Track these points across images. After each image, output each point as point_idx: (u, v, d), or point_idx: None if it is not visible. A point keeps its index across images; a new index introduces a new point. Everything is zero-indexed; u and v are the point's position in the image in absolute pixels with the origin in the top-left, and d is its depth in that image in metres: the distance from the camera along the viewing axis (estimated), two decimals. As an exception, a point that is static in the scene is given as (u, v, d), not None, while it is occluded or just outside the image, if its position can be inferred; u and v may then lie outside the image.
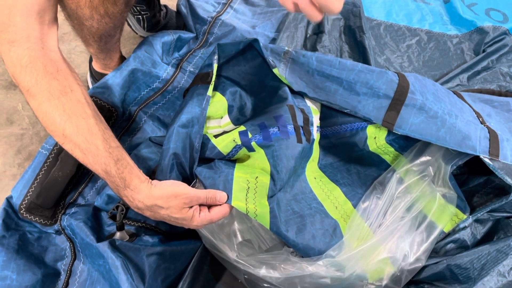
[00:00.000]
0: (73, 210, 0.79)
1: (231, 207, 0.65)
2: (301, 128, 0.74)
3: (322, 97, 0.78)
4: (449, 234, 0.78)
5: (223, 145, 0.72)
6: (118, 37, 0.90)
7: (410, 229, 0.73)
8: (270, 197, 0.69)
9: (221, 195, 0.63)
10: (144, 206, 0.61)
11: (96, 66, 0.99)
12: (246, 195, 0.66)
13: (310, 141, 0.76)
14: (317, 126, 0.81)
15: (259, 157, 0.72)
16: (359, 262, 0.68)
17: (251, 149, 0.72)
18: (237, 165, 0.72)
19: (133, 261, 0.69)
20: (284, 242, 0.70)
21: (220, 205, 0.64)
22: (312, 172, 0.80)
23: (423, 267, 0.74)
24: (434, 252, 0.77)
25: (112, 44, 0.90)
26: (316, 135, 0.79)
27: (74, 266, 0.76)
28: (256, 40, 0.76)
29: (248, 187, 0.67)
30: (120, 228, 0.73)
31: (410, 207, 0.74)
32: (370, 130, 0.79)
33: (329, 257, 0.67)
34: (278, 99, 0.78)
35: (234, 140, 0.72)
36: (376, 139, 0.79)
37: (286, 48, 0.79)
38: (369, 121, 0.78)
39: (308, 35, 1.15)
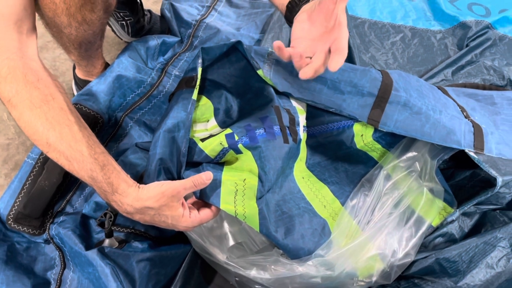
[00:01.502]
0: (61, 218, 0.78)
1: (219, 209, 0.65)
2: (287, 128, 0.74)
3: (307, 97, 0.78)
4: (437, 228, 0.78)
5: (210, 148, 0.72)
6: (100, 44, 0.89)
7: (399, 224, 0.73)
8: (258, 198, 0.69)
9: (206, 175, 0.61)
10: (134, 209, 0.60)
11: (79, 73, 0.99)
12: (235, 198, 0.66)
13: (296, 141, 0.76)
14: (304, 126, 0.81)
15: (246, 159, 0.72)
16: (349, 259, 0.69)
17: (238, 151, 0.72)
18: (225, 168, 0.72)
19: (122, 268, 0.69)
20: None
21: (209, 207, 0.65)
22: (300, 171, 0.81)
23: (413, 262, 0.74)
24: (423, 246, 0.78)
25: (93, 51, 0.89)
26: (302, 135, 0.79)
27: (64, 275, 0.75)
28: (239, 43, 0.76)
29: (237, 190, 0.67)
30: (109, 235, 0.72)
31: (398, 203, 0.74)
32: (357, 128, 0.79)
33: (318, 257, 0.68)
34: (263, 100, 0.78)
35: (221, 143, 0.72)
36: (363, 137, 0.80)
37: (270, 49, 0.79)
38: (355, 119, 0.78)
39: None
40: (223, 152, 0.72)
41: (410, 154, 0.79)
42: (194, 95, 0.72)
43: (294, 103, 0.81)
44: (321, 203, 0.77)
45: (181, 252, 0.75)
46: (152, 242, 0.76)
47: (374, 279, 0.71)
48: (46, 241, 0.78)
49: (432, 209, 0.76)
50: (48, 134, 0.58)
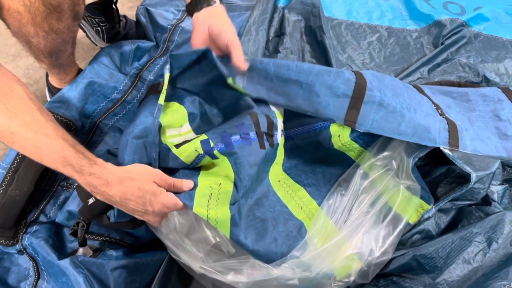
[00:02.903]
0: (34, 228, 0.77)
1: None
2: (264, 134, 0.74)
3: (283, 101, 0.78)
4: (414, 226, 0.79)
5: (186, 155, 0.71)
6: (71, 51, 0.88)
7: (376, 223, 0.73)
8: (232, 204, 0.69)
9: (187, 184, 0.65)
10: (116, 178, 0.59)
11: (53, 81, 0.97)
12: (208, 202, 0.65)
13: (274, 145, 0.76)
14: (282, 130, 0.81)
15: (223, 164, 0.71)
16: (326, 260, 0.68)
17: (214, 157, 0.71)
18: (201, 172, 0.71)
19: (97, 277, 0.68)
20: None
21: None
22: (276, 175, 0.80)
23: (391, 260, 0.74)
24: (401, 244, 0.78)
25: (65, 58, 0.88)
26: (280, 139, 0.79)
27: (38, 285, 0.74)
28: (209, 50, 0.75)
29: (211, 193, 0.67)
30: (83, 244, 0.71)
31: (374, 201, 0.74)
32: (333, 128, 0.79)
33: (294, 258, 0.67)
34: (239, 107, 0.78)
35: (196, 150, 0.71)
36: (340, 137, 0.80)
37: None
38: (332, 121, 0.78)
39: (270, 38, 1.15)
40: (199, 158, 0.72)
41: (386, 153, 0.79)
42: (161, 100, 0.71)
43: (272, 107, 0.81)
44: (297, 205, 0.77)
45: (157, 258, 0.74)
46: (128, 249, 0.75)
47: (352, 278, 0.71)
48: (20, 252, 0.76)
49: (409, 207, 0.76)
50: (11, 123, 0.56)
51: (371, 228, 0.73)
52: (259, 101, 0.79)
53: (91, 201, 0.65)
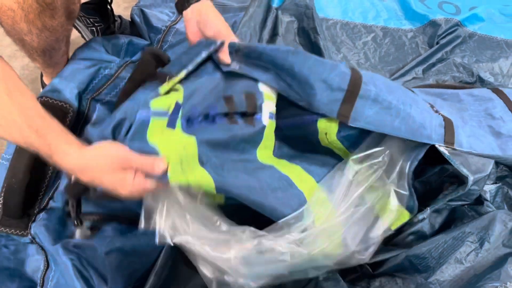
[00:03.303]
0: (41, 216, 0.76)
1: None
2: (240, 114, 0.73)
3: (279, 87, 0.75)
4: (409, 227, 0.78)
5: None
6: (65, 50, 0.88)
7: (363, 221, 0.72)
8: (204, 163, 0.66)
9: (159, 164, 0.58)
10: (78, 168, 0.58)
11: (47, 81, 0.97)
12: (181, 166, 0.62)
13: (254, 124, 0.73)
14: (270, 113, 0.77)
15: (180, 138, 0.67)
16: (320, 239, 0.66)
17: (172, 125, 0.67)
18: (158, 144, 0.64)
19: (91, 262, 0.67)
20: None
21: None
22: (266, 158, 0.78)
23: (384, 260, 0.74)
24: (395, 245, 0.78)
25: (59, 57, 0.88)
26: (267, 121, 0.76)
27: (47, 275, 0.73)
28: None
29: (181, 159, 0.63)
30: (78, 224, 0.70)
31: (362, 198, 0.73)
32: (321, 125, 0.77)
33: (292, 227, 0.65)
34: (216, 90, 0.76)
35: (169, 108, 0.68)
36: (327, 135, 0.78)
37: (237, 44, 0.75)
38: (323, 115, 0.76)
39: (263, 39, 1.15)
40: (160, 114, 0.67)
41: (378, 150, 0.77)
42: (163, 89, 0.69)
43: (261, 87, 0.77)
44: (297, 177, 0.74)
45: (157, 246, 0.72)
46: (125, 227, 0.73)
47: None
48: (32, 242, 0.76)
49: (392, 213, 0.74)
50: None
51: (358, 225, 0.71)
52: (247, 80, 0.77)
53: (73, 177, 0.63)
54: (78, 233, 0.71)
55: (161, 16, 1.16)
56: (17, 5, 0.67)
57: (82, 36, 1.15)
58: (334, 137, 0.77)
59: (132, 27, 1.17)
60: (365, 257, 0.68)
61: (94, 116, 0.88)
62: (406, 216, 0.73)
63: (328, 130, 0.77)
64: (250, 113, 0.73)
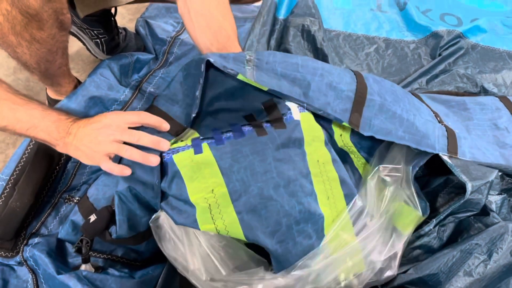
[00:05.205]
0: (35, 240, 0.77)
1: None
2: (265, 122, 0.71)
3: (295, 96, 0.73)
4: (416, 240, 0.78)
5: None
6: (62, 62, 0.87)
7: (384, 238, 0.72)
8: (235, 200, 0.65)
9: (163, 144, 0.65)
10: (73, 146, 0.64)
11: (50, 93, 0.98)
12: (211, 214, 0.64)
13: (285, 127, 0.71)
14: (298, 107, 0.74)
15: (209, 166, 0.66)
16: (335, 268, 0.67)
17: (199, 150, 0.67)
18: (186, 185, 0.66)
19: None
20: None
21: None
22: (317, 155, 0.73)
23: (394, 277, 0.73)
24: (403, 257, 0.77)
25: (55, 69, 0.87)
26: (298, 115, 0.73)
27: None
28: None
29: (209, 204, 0.64)
30: (86, 260, 0.71)
31: (385, 214, 0.73)
32: (335, 127, 0.77)
33: (304, 268, 0.65)
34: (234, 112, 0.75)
35: (186, 145, 0.68)
36: (342, 137, 0.78)
37: (248, 56, 0.74)
38: (339, 120, 0.74)
39: (271, 49, 1.16)
40: (183, 148, 0.68)
41: (389, 163, 0.77)
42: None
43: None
44: (326, 192, 0.72)
45: (159, 272, 0.74)
46: (130, 268, 0.75)
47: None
48: (20, 263, 0.75)
49: (409, 219, 0.75)
50: None
51: (379, 242, 0.71)
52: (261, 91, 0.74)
53: (92, 218, 0.66)
54: (83, 267, 0.72)
55: (166, 26, 1.17)
56: (2, 17, 0.67)
57: (87, 48, 1.16)
58: (348, 139, 0.78)
59: (137, 39, 1.18)
60: (394, 272, 0.70)
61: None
62: (420, 218, 0.74)
63: (342, 132, 0.78)
64: (274, 120, 0.72)
